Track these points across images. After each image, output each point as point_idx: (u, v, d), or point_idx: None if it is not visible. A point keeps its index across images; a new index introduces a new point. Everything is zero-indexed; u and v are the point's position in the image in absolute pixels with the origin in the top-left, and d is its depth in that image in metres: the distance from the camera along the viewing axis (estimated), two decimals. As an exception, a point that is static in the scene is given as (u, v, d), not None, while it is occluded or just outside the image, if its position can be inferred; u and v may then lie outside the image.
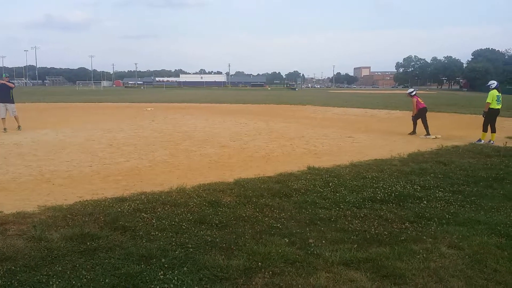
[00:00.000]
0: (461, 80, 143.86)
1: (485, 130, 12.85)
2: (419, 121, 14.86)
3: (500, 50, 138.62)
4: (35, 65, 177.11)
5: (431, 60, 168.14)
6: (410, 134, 14.86)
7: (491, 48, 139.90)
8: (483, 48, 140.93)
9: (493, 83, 13.24)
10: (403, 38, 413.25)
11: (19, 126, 15.67)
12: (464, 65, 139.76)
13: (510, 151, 10.73)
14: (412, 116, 15.32)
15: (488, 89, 13.18)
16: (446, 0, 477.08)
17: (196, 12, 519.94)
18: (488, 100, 12.89)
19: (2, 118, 15.44)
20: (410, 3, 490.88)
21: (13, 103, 15.93)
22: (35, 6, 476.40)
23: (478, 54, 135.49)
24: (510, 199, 6.47)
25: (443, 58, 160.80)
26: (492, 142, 12.45)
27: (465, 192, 6.82)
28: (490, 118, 12.84)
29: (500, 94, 12.95)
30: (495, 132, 12.82)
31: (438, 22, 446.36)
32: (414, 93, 15.64)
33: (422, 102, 15.08)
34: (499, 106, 12.94)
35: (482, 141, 12.53)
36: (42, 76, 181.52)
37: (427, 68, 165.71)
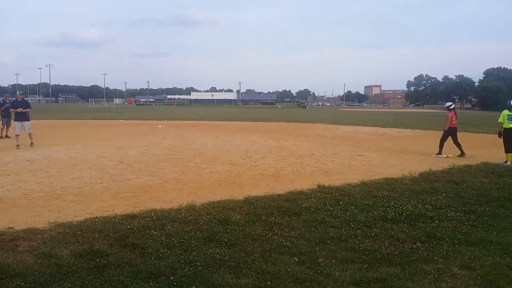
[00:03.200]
0: (473, 99, 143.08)
1: (507, 151, 12.50)
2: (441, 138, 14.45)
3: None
4: (49, 82, 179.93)
5: (442, 78, 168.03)
6: (459, 156, 13.91)
7: (504, 67, 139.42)
8: (495, 66, 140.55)
9: (508, 102, 13.06)
10: (414, 56, 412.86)
11: (31, 143, 15.87)
12: (476, 84, 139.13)
13: (523, 171, 10.60)
14: (443, 131, 14.67)
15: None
16: (457, 19, 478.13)
17: (207, 30, 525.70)
18: (499, 120, 12.76)
19: (16, 135, 15.75)
20: (421, 22, 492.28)
21: (29, 120, 16.38)
22: (51, 25, 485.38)
23: (490, 73, 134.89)
24: (524, 219, 6.37)
25: (454, 77, 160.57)
26: (508, 162, 12.18)
27: (477, 211, 6.74)
28: (505, 138, 12.62)
29: None
30: (511, 153, 12.59)
31: (449, 40, 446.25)
32: (452, 106, 15.01)
33: (454, 122, 14.60)
34: (511, 125, 12.71)
35: (508, 163, 12.12)
36: (56, 93, 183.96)
37: (438, 87, 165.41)
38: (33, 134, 16.29)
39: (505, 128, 12.63)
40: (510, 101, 12.93)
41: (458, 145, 14.28)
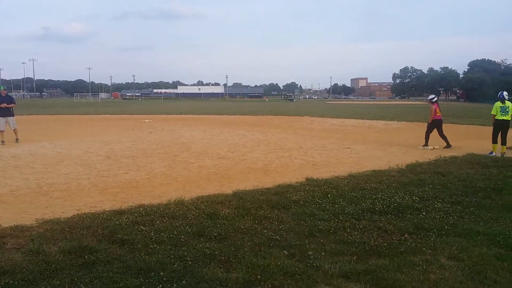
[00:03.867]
0: (457, 91, 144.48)
1: (494, 141, 12.59)
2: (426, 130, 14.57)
3: (496, 61, 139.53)
4: (33, 77, 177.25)
5: (427, 71, 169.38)
6: (445, 148, 14.03)
7: (487, 59, 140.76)
8: (479, 58, 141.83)
9: (500, 93, 12.99)
10: (399, 49, 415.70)
11: (17, 139, 15.68)
12: (461, 76, 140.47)
13: (508, 162, 10.75)
14: (427, 124, 14.90)
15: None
16: (442, 11, 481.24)
17: (192, 24, 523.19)
18: (492, 112, 12.81)
19: (0, 131, 15.51)
20: (406, 15, 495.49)
21: (13, 116, 16.15)
22: (33, 19, 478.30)
23: (475, 65, 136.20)
24: (509, 209, 6.47)
25: (439, 69, 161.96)
26: (493, 153, 12.26)
27: (464, 202, 6.82)
28: (497, 129, 12.63)
29: (505, 105, 12.65)
30: (505, 144, 12.60)
31: (434, 33, 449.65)
32: (435, 99, 15.15)
33: (439, 114, 14.72)
34: (505, 117, 12.62)
35: (494, 153, 12.23)
36: (40, 88, 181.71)
37: (423, 79, 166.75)
38: (18, 130, 16.08)
39: (497, 120, 12.68)
40: (502, 93, 12.88)
41: (443, 137, 14.40)
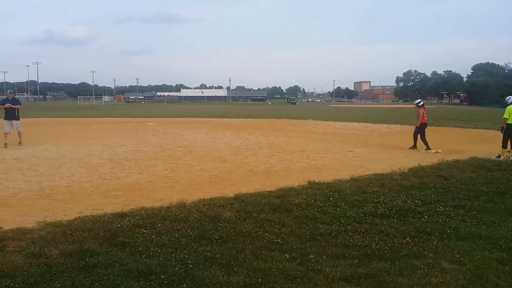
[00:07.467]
0: (461, 94, 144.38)
1: (504, 146, 12.40)
2: (419, 136, 14.82)
3: (500, 64, 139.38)
4: (36, 80, 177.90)
5: (431, 74, 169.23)
6: (410, 148, 14.84)
7: (491, 62, 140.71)
8: (483, 62, 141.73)
9: (510, 98, 12.78)
10: (403, 52, 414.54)
11: (20, 142, 15.73)
12: (464, 79, 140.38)
13: (511, 166, 10.71)
14: (415, 127, 15.23)
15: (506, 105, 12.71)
16: (445, 15, 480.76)
17: (194, 27, 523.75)
18: (504, 116, 12.54)
19: (5, 133, 15.61)
20: (410, 18, 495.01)
21: (19, 119, 16.33)
22: (36, 22, 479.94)
23: (478, 68, 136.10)
24: (511, 213, 6.44)
25: (443, 73, 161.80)
26: (501, 157, 12.11)
27: (466, 206, 6.80)
28: (508, 133, 12.44)
29: None
30: (506, 148, 12.41)
31: (438, 36, 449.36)
32: (421, 103, 15.52)
33: (425, 118, 15.03)
34: None
35: (502, 157, 12.06)
36: (44, 91, 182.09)
37: (427, 83, 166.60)
38: (22, 133, 16.16)
39: (509, 124, 12.44)
40: None
41: (415, 139, 14.95)
